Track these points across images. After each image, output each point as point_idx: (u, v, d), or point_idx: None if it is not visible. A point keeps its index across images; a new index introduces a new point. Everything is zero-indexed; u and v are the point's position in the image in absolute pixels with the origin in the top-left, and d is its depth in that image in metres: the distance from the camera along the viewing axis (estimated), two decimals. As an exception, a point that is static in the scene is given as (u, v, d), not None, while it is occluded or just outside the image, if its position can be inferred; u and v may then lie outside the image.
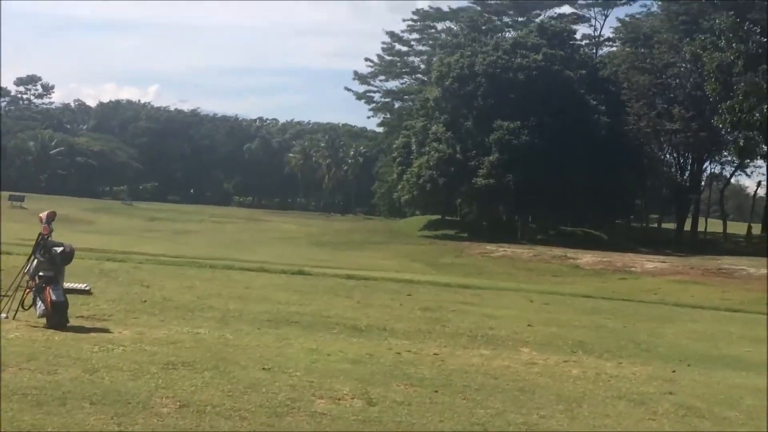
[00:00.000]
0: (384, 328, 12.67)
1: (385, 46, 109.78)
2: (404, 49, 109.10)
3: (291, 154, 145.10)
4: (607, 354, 12.04)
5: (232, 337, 10.67)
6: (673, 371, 11.06)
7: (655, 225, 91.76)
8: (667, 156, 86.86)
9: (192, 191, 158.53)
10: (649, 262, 52.45)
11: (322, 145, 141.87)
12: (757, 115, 54.34)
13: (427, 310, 15.13)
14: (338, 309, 14.28)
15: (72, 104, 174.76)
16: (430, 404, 7.90)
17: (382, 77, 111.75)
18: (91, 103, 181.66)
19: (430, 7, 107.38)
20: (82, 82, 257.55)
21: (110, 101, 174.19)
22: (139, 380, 7.80)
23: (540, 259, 54.94)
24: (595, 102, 74.11)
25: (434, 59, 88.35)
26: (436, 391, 8.43)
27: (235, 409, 7.12)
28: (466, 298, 18.30)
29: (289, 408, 7.34)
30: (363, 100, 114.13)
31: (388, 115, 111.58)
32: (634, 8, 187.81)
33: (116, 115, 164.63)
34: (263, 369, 8.77)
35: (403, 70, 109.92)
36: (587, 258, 54.92)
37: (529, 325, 14.29)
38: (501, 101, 73.42)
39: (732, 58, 55.37)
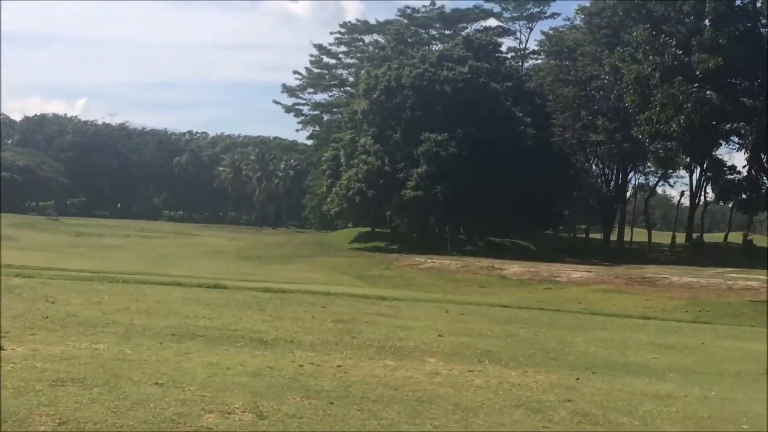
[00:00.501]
0: (291, 340, 12.55)
1: (313, 58, 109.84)
2: (332, 61, 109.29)
3: (220, 168, 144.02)
4: (514, 363, 12.07)
5: (131, 352, 10.46)
6: (577, 379, 11.13)
7: (583, 235, 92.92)
8: (593, 167, 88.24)
9: (119, 206, 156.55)
10: (575, 272, 53.05)
11: (252, 158, 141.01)
12: (674, 125, 55.49)
13: (339, 322, 15.05)
14: (248, 322, 14.11)
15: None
16: (323, 416, 7.82)
17: (310, 90, 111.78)
18: (16, 117, 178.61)
19: (357, 20, 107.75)
20: (6, 95, 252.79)
21: (35, 115, 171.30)
22: (21, 398, 7.59)
23: (467, 270, 55.21)
24: (521, 114, 74.89)
25: (362, 72, 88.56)
26: (332, 403, 8.35)
27: (117, 426, 6.97)
28: (382, 309, 18.25)
29: (175, 423, 7.20)
30: (292, 113, 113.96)
31: (318, 128, 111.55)
32: (558, 21, 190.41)
33: (42, 129, 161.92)
34: (156, 384, 8.61)
35: (332, 82, 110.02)
36: (514, 268, 55.34)
37: (439, 336, 14.28)
38: (428, 113, 73.83)
39: (649, 70, 56.51)
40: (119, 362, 9.67)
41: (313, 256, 66.85)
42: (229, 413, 7.64)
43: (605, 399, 9.79)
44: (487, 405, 8.98)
